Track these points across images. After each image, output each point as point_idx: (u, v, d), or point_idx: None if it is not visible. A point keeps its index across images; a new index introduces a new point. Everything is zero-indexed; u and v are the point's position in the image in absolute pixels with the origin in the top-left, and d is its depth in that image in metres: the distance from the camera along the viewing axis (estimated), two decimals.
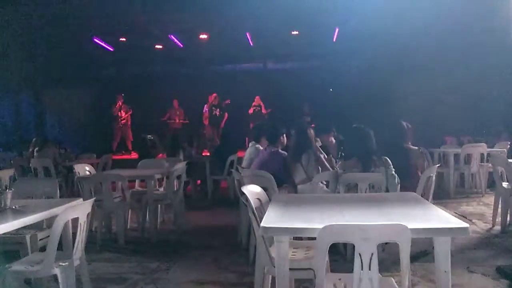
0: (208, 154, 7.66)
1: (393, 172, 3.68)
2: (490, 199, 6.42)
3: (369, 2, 8.62)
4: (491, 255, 3.93)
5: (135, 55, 13.45)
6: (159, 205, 5.22)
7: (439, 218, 2.13)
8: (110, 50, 12.77)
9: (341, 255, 3.62)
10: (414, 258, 3.53)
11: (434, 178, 3.98)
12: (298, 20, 10.24)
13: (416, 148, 4.35)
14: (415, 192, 3.27)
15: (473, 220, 5.20)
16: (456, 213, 5.57)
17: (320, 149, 4.52)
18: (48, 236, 2.56)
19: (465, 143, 8.21)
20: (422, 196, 3.30)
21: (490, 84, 10.73)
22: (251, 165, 4.91)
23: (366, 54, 11.59)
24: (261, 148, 5.32)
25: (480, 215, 5.50)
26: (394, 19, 9.22)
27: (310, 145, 4.33)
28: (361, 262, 1.79)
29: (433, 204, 2.91)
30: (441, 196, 6.51)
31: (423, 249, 3.62)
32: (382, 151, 3.95)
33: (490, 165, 6.45)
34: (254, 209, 2.40)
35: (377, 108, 11.50)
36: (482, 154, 6.94)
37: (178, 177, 5.24)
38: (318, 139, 4.76)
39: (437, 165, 4.08)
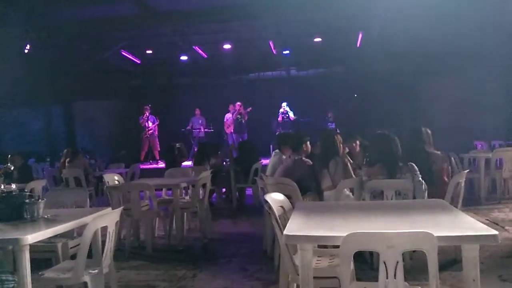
0: (231, 162, 7.69)
1: (420, 179, 3.61)
2: None
3: (392, 6, 8.53)
4: None
5: (161, 66, 13.78)
6: (185, 213, 5.29)
7: (467, 225, 2.08)
8: (137, 63, 13.12)
9: (367, 263, 3.57)
10: (443, 266, 3.44)
11: (463, 184, 3.88)
12: (321, 26, 10.24)
13: (439, 152, 4.22)
14: (443, 198, 3.20)
15: (506, 227, 5.01)
16: (487, 219, 5.39)
17: (348, 156, 4.49)
18: (79, 244, 2.64)
19: (496, 147, 7.96)
20: (451, 203, 3.23)
21: None
22: (274, 173, 4.92)
23: (391, 58, 11.46)
24: (284, 156, 5.33)
25: None
26: (418, 21, 9.07)
27: (337, 151, 4.30)
28: (386, 270, 1.77)
29: (463, 211, 2.84)
30: (472, 202, 6.31)
31: (452, 257, 3.53)
32: (403, 157, 3.89)
33: None
34: (278, 217, 2.41)
35: (403, 113, 11.32)
36: None
37: (204, 185, 5.31)
38: (345, 146, 4.73)
39: (467, 171, 3.98)
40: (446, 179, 4.03)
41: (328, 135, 4.55)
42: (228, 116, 12.45)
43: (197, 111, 12.71)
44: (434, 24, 9.31)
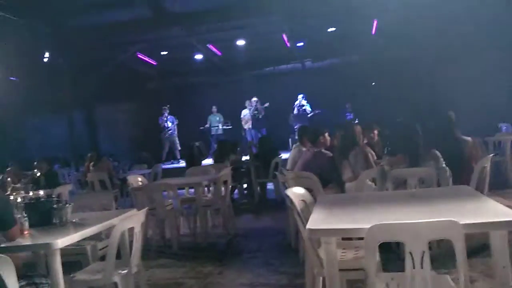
0: (251, 158, 7.71)
1: (444, 165, 3.54)
2: None
3: None
4: None
5: (176, 66, 13.89)
6: (208, 211, 5.35)
7: (494, 211, 2.04)
8: (154, 64, 13.25)
9: (394, 253, 3.53)
10: (473, 252, 3.36)
11: (488, 169, 3.80)
12: (334, 16, 10.10)
13: (469, 138, 4.12)
14: (468, 185, 3.14)
15: None
16: None
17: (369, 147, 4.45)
18: (107, 246, 2.71)
19: None
20: (477, 189, 3.17)
21: None
22: (295, 166, 4.92)
23: (407, 44, 11.21)
24: (304, 149, 5.31)
25: None
26: (436, 7, 8.85)
27: (357, 142, 4.27)
28: (413, 260, 1.76)
29: (490, 196, 2.78)
30: (499, 186, 6.14)
31: (482, 243, 3.46)
32: (431, 144, 3.82)
33: None
34: (299, 211, 2.41)
35: (423, 99, 11.09)
36: None
37: (225, 182, 5.35)
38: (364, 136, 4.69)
39: (492, 155, 3.89)
40: (475, 165, 3.94)
41: (348, 126, 4.52)
42: (245, 112, 12.47)
43: (214, 109, 12.77)
44: (451, 6, 9.05)
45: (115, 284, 2.71)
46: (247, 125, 12.46)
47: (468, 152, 3.93)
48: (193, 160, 7.24)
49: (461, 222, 1.73)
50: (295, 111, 12.15)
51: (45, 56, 10.14)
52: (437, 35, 10.60)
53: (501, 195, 5.53)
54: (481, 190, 3.51)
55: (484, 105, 10.05)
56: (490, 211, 2.07)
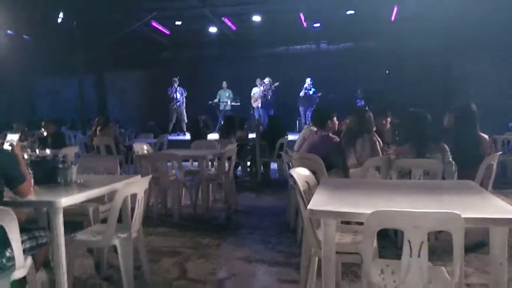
0: (257, 136, 7.69)
1: (450, 159, 3.52)
2: None
3: None
4: None
5: (190, 38, 13.76)
6: (210, 185, 5.39)
7: (496, 207, 2.03)
8: (167, 34, 13.13)
9: (391, 241, 3.56)
10: (470, 248, 3.39)
11: (495, 166, 3.77)
12: None
13: (487, 136, 4.03)
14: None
15: None
16: None
17: (377, 135, 4.41)
18: (109, 209, 2.75)
19: None
20: (481, 185, 3.15)
21: None
22: (301, 148, 4.91)
23: (425, 35, 10.98)
24: (314, 129, 5.27)
25: None
26: None
27: (367, 130, 4.22)
28: (410, 249, 1.77)
29: (494, 193, 2.76)
30: (504, 185, 6.12)
31: (480, 239, 3.47)
32: (451, 139, 3.76)
33: None
34: (302, 191, 2.42)
35: (436, 91, 10.96)
36: None
37: (229, 158, 5.37)
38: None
39: (499, 153, 3.84)
40: None
41: (360, 112, 4.45)
42: (256, 90, 12.40)
43: (224, 84, 12.70)
44: (470, 2, 8.84)
45: (114, 247, 2.76)
46: (256, 104, 12.41)
47: (484, 149, 3.86)
48: (198, 133, 7.25)
49: (463, 216, 1.72)
50: (302, 94, 12.07)
51: (59, 16, 10.07)
52: (455, 29, 10.39)
53: (504, 194, 5.50)
54: (486, 186, 3.49)
55: (497, 102, 9.91)
56: (492, 207, 2.06)
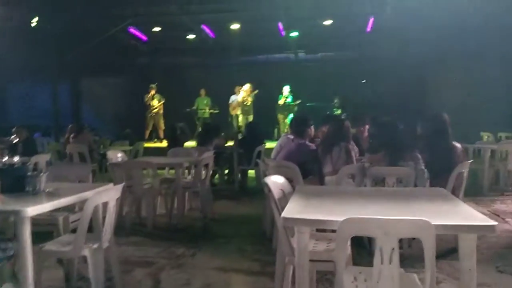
0: (234, 144, 7.69)
1: (423, 167, 3.59)
2: None
3: None
4: None
5: (168, 45, 13.66)
6: (186, 193, 5.32)
7: (465, 215, 2.07)
8: (144, 40, 13.01)
9: (365, 248, 3.59)
10: (441, 255, 3.45)
11: (465, 174, 3.86)
12: (331, 9, 10.06)
13: (459, 146, 4.12)
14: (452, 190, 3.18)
15: (507, 219, 5.00)
16: (488, 211, 5.38)
17: (354, 144, 4.46)
18: (80, 218, 2.67)
19: (502, 139, 7.88)
20: (452, 193, 3.21)
21: None
22: (278, 155, 4.91)
23: (401, 45, 11.29)
24: (291, 137, 5.29)
25: None
26: (430, 9, 8.90)
27: (344, 138, 4.27)
28: (382, 256, 1.78)
29: (465, 201, 2.82)
30: (474, 193, 6.29)
31: (451, 246, 3.53)
32: (425, 146, 3.82)
33: None
34: (276, 199, 2.41)
35: (411, 101, 11.21)
36: None
37: (206, 166, 5.33)
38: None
39: (470, 161, 3.94)
40: None
41: (338, 121, 4.51)
42: (234, 97, 12.39)
43: (202, 92, 12.65)
44: (445, 12, 9.14)
45: (84, 257, 2.68)
46: (235, 112, 12.39)
47: (457, 158, 3.94)
48: (175, 141, 7.18)
49: (433, 223, 1.75)
50: (281, 102, 12.14)
51: (33, 21, 9.85)
52: (429, 40, 10.70)
53: (475, 202, 5.67)
54: (457, 194, 3.57)
55: (468, 111, 10.22)
56: (462, 214, 2.10)
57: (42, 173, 2.86)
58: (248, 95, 12.01)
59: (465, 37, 10.16)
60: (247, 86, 12.02)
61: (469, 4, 8.58)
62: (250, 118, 11.95)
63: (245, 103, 12.11)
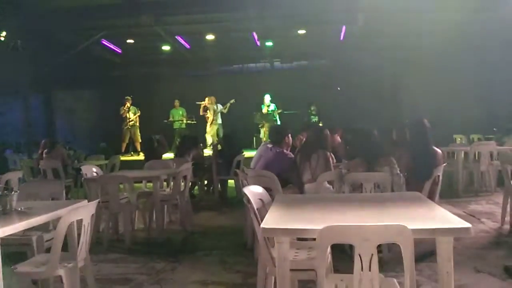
0: (213, 154, 7.64)
1: (398, 172, 3.65)
2: (499, 198, 6.29)
3: (376, 0, 8.56)
4: (500, 255, 3.87)
5: (142, 56, 13.56)
6: (165, 206, 5.24)
7: (441, 218, 2.11)
8: (118, 52, 12.86)
9: (347, 255, 3.60)
10: (421, 258, 3.49)
11: (440, 177, 3.94)
12: (305, 19, 10.21)
13: (440, 151, 4.18)
14: (433, 196, 3.22)
15: (482, 219, 5.13)
16: (464, 212, 5.51)
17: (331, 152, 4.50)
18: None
19: (475, 141, 8.10)
20: (429, 196, 3.27)
21: (501, 82, 10.59)
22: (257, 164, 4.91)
23: (374, 53, 11.53)
24: (269, 146, 5.31)
25: (489, 214, 5.43)
26: (401, 17, 9.15)
27: (323, 146, 4.30)
28: (361, 263, 1.78)
29: (441, 203, 2.87)
30: (450, 195, 6.44)
31: (430, 249, 3.58)
32: (405, 153, 3.87)
33: (499, 163, 6.36)
34: (256, 210, 2.40)
35: (385, 107, 11.44)
36: (491, 152, 6.85)
37: (185, 177, 5.27)
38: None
39: (444, 164, 4.03)
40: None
41: (317, 129, 4.55)
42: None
43: (176, 103, 12.56)
44: (415, 21, 9.40)
45: (60, 277, 2.60)
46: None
47: (438, 162, 4.00)
48: (153, 153, 7.07)
49: (410, 227, 1.77)
50: (265, 110, 12.15)
51: (1, 34, 9.60)
52: (401, 47, 10.97)
53: (451, 203, 5.80)
54: (433, 197, 3.63)
55: (441, 115, 10.48)
56: (438, 218, 2.14)
57: (13, 192, 2.77)
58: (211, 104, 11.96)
59: (438, 43, 10.47)
60: (206, 99, 11.98)
61: (442, 12, 8.84)
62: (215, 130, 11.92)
63: (222, 113, 12.10)
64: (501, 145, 7.19)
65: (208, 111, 12.02)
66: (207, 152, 8.93)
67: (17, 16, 9.01)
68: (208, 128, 12.07)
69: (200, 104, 12.10)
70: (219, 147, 8.06)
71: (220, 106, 12.10)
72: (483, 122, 10.53)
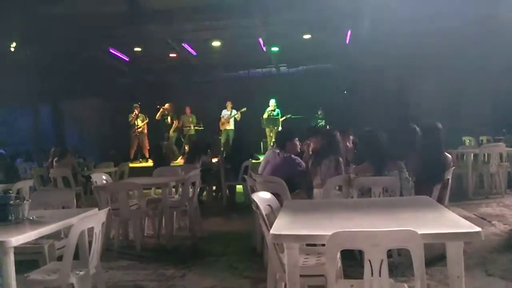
0: (220, 160, 7.66)
1: (407, 176, 3.63)
2: (510, 200, 6.28)
3: (381, 4, 8.56)
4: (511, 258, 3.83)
5: (150, 64, 13.67)
6: (174, 212, 5.27)
7: (451, 222, 2.10)
8: (126, 60, 12.99)
9: (356, 260, 3.59)
10: (431, 262, 3.47)
11: (450, 181, 3.92)
12: (310, 23, 10.24)
13: (450, 156, 4.14)
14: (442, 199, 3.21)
15: (493, 222, 5.08)
16: (475, 214, 5.46)
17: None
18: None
19: (484, 143, 8.03)
20: (438, 200, 3.26)
21: (509, 82, 10.50)
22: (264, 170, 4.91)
23: (380, 56, 11.50)
24: (277, 151, 5.30)
25: (500, 216, 5.38)
26: (407, 20, 9.13)
27: (335, 152, 4.29)
28: (371, 268, 1.78)
29: (451, 206, 2.85)
30: (460, 198, 6.38)
31: (441, 253, 3.56)
32: (419, 159, 3.85)
33: (509, 164, 6.31)
34: (265, 215, 2.41)
35: (392, 110, 11.39)
36: (501, 154, 6.79)
37: (193, 184, 5.29)
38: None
39: (453, 167, 4.00)
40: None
41: (330, 134, 4.53)
42: (225, 112, 12.34)
43: (187, 110, 12.64)
44: (421, 24, 9.38)
45: (72, 285, 2.62)
46: (224, 127, 12.36)
47: (448, 167, 3.97)
48: (161, 160, 7.12)
49: (419, 232, 1.77)
50: (266, 115, 12.18)
51: (12, 45, 9.76)
52: (407, 51, 10.93)
53: (461, 206, 5.75)
54: (442, 201, 3.61)
55: (447, 118, 10.42)
56: (447, 222, 2.13)
57: (25, 201, 2.81)
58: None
59: (444, 45, 10.42)
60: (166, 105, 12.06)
61: (447, 14, 8.82)
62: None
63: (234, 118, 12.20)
64: (510, 147, 7.12)
65: (167, 117, 12.03)
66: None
67: (25, 26, 9.15)
68: (171, 133, 12.11)
69: (160, 108, 12.08)
70: (224, 153, 8.08)
71: (234, 112, 12.16)
72: (492, 123, 10.45)
